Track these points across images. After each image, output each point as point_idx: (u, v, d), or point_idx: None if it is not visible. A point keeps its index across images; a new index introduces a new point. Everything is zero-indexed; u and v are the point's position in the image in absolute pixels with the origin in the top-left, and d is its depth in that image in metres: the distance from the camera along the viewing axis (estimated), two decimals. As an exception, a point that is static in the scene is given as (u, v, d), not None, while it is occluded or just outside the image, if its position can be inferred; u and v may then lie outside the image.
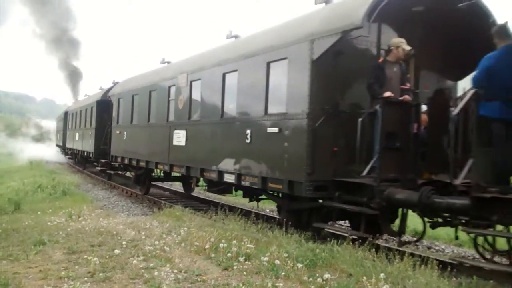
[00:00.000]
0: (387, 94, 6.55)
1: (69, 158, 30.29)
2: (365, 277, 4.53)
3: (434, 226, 6.10)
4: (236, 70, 8.92)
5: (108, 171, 18.42)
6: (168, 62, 13.50)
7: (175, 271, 5.06)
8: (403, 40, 6.84)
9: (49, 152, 39.68)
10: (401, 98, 6.76)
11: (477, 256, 6.36)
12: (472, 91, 5.32)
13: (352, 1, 6.85)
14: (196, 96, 10.56)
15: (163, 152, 11.91)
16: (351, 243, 5.91)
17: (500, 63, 5.18)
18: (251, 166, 8.27)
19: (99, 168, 19.18)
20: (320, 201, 7.13)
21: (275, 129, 7.57)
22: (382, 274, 4.55)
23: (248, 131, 8.30)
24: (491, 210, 4.91)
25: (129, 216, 10.63)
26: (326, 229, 7.08)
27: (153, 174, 14.38)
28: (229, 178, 8.96)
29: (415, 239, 7.27)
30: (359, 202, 6.51)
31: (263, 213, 11.03)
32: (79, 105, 25.49)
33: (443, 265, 5.61)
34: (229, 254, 5.57)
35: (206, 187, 11.08)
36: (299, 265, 5.00)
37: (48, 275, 4.82)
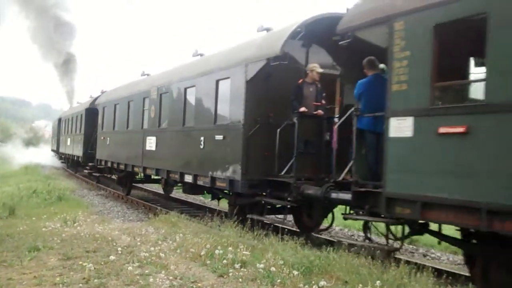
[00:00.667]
0: (302, 109, 7.93)
1: (62, 162, 31.74)
2: (360, 285, 4.53)
3: (345, 218, 7.12)
4: (194, 86, 10.47)
5: (94, 174, 19.90)
6: (148, 75, 15.06)
7: (170, 277, 5.04)
8: (316, 64, 8.25)
9: (42, 156, 39.71)
10: (315, 112, 8.13)
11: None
12: (352, 109, 6.88)
13: (275, 35, 8.34)
14: (164, 107, 12.13)
15: (138, 156, 13.49)
16: (346, 250, 5.92)
17: (369, 88, 6.66)
18: (204, 168, 9.71)
19: (87, 171, 20.90)
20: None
21: (221, 137, 9.08)
22: (378, 282, 4.55)
23: (202, 138, 9.78)
24: (366, 201, 6.22)
25: (124, 222, 10.59)
26: (255, 218, 8.39)
27: (136, 176, 15.42)
28: (188, 179, 10.41)
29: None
30: (283, 197, 7.91)
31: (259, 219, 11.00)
32: (71, 112, 27.05)
33: (438, 273, 5.62)
34: (224, 261, 5.55)
35: (182, 189, 12.10)
36: (295, 272, 4.99)
37: (43, 281, 4.80)
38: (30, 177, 24.02)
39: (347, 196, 6.73)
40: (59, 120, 31.08)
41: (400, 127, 5.66)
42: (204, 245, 6.33)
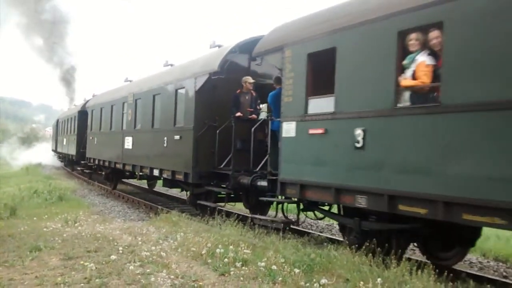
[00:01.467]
0: (238, 114, 9.61)
1: (60, 161, 33.27)
2: (362, 282, 4.53)
3: (261, 199, 8.78)
4: (160, 94, 12.34)
5: (85, 171, 22.03)
6: (130, 81, 16.76)
7: (172, 276, 5.05)
8: (248, 77, 9.85)
9: (41, 156, 40.08)
10: (250, 116, 9.74)
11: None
12: (266, 115, 9.00)
13: (216, 54, 10.16)
14: (138, 111, 14.01)
15: (119, 154, 15.36)
16: (347, 248, 5.92)
17: (276, 99, 8.16)
18: (167, 163, 11.53)
19: (79, 168, 23.15)
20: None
21: (178, 137, 10.85)
22: (379, 279, 4.56)
23: (165, 138, 11.54)
24: (282, 188, 7.63)
25: (125, 222, 10.59)
26: (202, 203, 10.52)
27: (127, 173, 16.39)
28: (156, 173, 12.29)
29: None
30: (224, 186, 9.75)
31: (259, 217, 11.03)
32: (66, 114, 29.19)
33: (439, 270, 5.63)
34: (226, 260, 5.56)
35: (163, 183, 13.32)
36: (296, 270, 5.00)
37: (44, 281, 4.81)
38: (31, 178, 24.03)
39: (264, 183, 8.45)
40: (57, 121, 32.97)
41: (288, 129, 7.48)
42: (205, 244, 6.34)
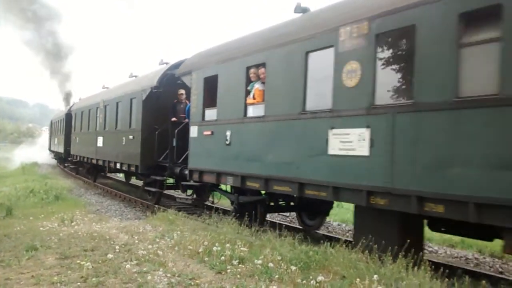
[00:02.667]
0: (173, 119, 12.25)
1: (55, 159, 35.58)
2: (358, 279, 4.54)
3: (183, 185, 11.38)
4: (121, 101, 15.06)
5: (70, 166, 25.97)
6: (107, 88, 19.43)
7: (169, 275, 5.04)
8: (182, 89, 12.26)
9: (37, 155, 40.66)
10: (183, 121, 11.76)
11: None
12: (186, 120, 11.18)
13: (157, 72, 13.02)
14: (107, 114, 16.71)
15: (93, 151, 18.33)
16: (344, 245, 5.93)
17: (189, 110, 10.68)
18: (125, 158, 14.26)
19: (67, 164, 27.29)
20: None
21: (132, 137, 13.68)
22: (375, 276, 4.57)
23: (124, 138, 14.28)
24: (190, 174, 10.38)
25: (122, 221, 10.59)
26: (146, 188, 13.54)
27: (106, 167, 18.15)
28: (118, 166, 15.19)
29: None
30: (163, 175, 12.40)
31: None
32: (58, 116, 31.94)
33: (436, 266, 5.65)
34: (222, 258, 5.56)
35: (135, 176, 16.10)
36: (293, 268, 5.00)
37: (41, 280, 4.79)
38: (27, 177, 23.95)
39: (187, 172, 10.64)
40: (51, 122, 35.96)
41: (193, 131, 10.18)
42: (202, 242, 6.33)
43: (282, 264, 5.21)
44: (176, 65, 12.08)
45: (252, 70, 8.41)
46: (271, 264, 5.17)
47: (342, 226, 10.91)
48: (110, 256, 5.74)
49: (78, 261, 5.49)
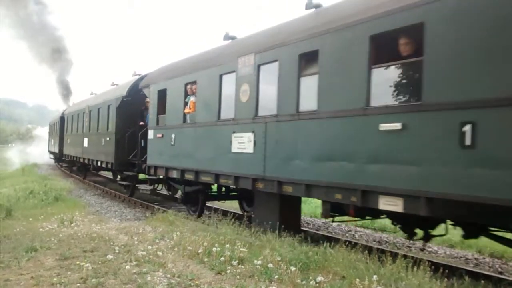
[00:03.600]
0: (141, 123, 14.05)
1: (53, 159, 37.22)
2: (358, 279, 4.55)
3: (149, 179, 13.10)
4: (101, 107, 17.42)
5: (63, 165, 29.86)
6: (95, 94, 21.47)
7: (168, 275, 5.05)
8: (148, 98, 13.04)
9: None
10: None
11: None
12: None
13: (127, 83, 15.45)
14: (91, 119, 19.09)
15: (80, 151, 20.83)
16: (343, 246, 5.93)
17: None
18: (104, 157, 16.43)
19: (61, 163, 31.05)
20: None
21: (108, 138, 15.80)
22: (374, 276, 4.58)
23: (102, 139, 16.60)
24: (148, 170, 12.46)
25: (121, 221, 10.59)
26: (118, 182, 16.12)
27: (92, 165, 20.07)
28: (99, 164, 17.46)
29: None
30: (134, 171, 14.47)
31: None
32: (54, 119, 34.21)
33: (435, 267, 5.65)
34: (222, 258, 5.57)
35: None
36: (292, 268, 5.01)
37: (40, 281, 4.80)
38: (27, 178, 23.94)
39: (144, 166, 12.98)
40: (50, 125, 38.31)
41: (150, 134, 12.26)
42: (201, 243, 6.34)
43: (282, 264, 5.21)
44: (142, 78, 14.17)
45: (188, 86, 10.42)
46: (270, 265, 5.18)
47: (341, 227, 10.91)
48: (109, 257, 5.74)
49: (78, 262, 5.49)
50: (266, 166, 7.76)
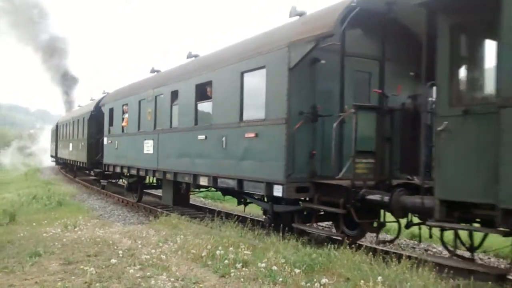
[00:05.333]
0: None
1: (52, 161, 40.98)
2: (362, 281, 4.52)
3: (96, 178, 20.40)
4: (78, 120, 22.42)
5: (60, 167, 35.22)
6: (81, 106, 27.24)
7: (172, 279, 5.04)
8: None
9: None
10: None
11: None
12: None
13: (94, 102, 20.75)
14: (74, 128, 23.79)
15: (68, 153, 25.61)
16: (348, 247, 5.91)
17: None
18: (80, 157, 21.36)
19: (57, 165, 36.52)
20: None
21: (83, 143, 20.75)
22: (379, 278, 4.56)
23: (80, 144, 21.54)
24: (105, 167, 17.46)
25: (125, 225, 10.59)
26: (93, 176, 21.54)
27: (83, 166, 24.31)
28: (79, 164, 22.38)
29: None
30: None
31: (258, 219, 11.04)
32: (52, 127, 39.55)
33: (440, 267, 5.62)
34: (226, 261, 5.55)
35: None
36: (297, 271, 4.99)
37: (44, 286, 4.80)
38: (30, 183, 24.00)
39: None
40: (51, 131, 42.34)
41: (105, 140, 16.80)
42: (205, 246, 6.33)
43: (286, 267, 5.20)
44: (106, 98, 18.19)
45: (124, 107, 15.01)
46: (274, 267, 5.16)
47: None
48: (113, 261, 5.74)
49: (82, 267, 5.49)
50: (158, 162, 12.08)
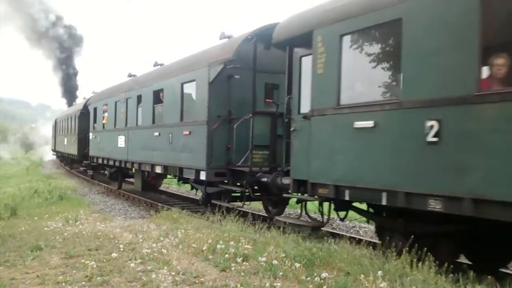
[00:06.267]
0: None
1: (53, 154, 42.95)
2: (362, 275, 4.53)
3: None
4: (71, 117, 25.32)
5: (59, 159, 37.60)
6: (75, 103, 32.81)
7: (173, 273, 5.05)
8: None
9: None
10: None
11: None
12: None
13: (82, 103, 24.94)
14: (68, 124, 26.54)
15: (64, 147, 28.35)
16: (348, 242, 5.92)
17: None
18: (72, 150, 24.49)
19: (57, 158, 39.02)
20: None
21: (74, 138, 23.58)
22: (379, 272, 4.56)
23: (72, 138, 24.45)
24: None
25: (126, 220, 10.61)
26: (83, 168, 23.23)
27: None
28: (72, 156, 25.39)
29: None
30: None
31: (259, 213, 11.07)
32: (53, 122, 42.28)
33: (440, 262, 5.63)
34: (226, 255, 5.56)
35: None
36: (297, 265, 5.00)
37: (45, 280, 4.81)
38: (31, 177, 24.04)
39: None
40: (52, 126, 43.80)
41: (90, 135, 19.57)
42: (206, 240, 6.34)
43: (286, 261, 5.21)
44: (92, 98, 20.76)
45: (104, 106, 17.18)
46: (275, 261, 5.17)
47: (346, 223, 10.89)
48: (114, 255, 5.75)
49: (83, 261, 5.51)
50: (128, 154, 14.32)
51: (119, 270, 5.12)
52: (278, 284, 4.57)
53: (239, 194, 9.59)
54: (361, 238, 8.28)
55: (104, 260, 5.58)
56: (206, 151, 9.40)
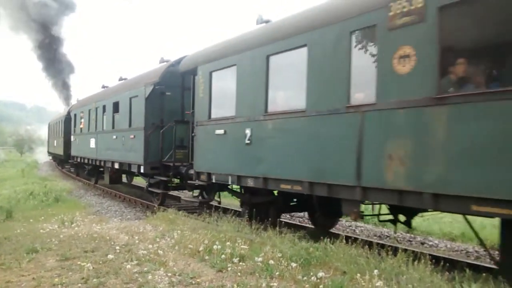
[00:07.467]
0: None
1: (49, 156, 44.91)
2: (359, 274, 4.54)
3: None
4: (60, 120, 27.89)
5: (53, 160, 39.60)
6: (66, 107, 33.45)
7: (169, 274, 5.04)
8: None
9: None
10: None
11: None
12: None
13: (66, 109, 29.39)
14: (56, 127, 29.99)
15: (54, 148, 31.48)
16: (344, 241, 5.94)
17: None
18: (60, 151, 27.78)
19: (50, 158, 41.71)
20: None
21: (62, 140, 26.36)
22: (375, 271, 4.57)
23: (60, 140, 27.19)
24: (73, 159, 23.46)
25: (122, 221, 10.59)
26: (67, 166, 29.61)
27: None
28: (61, 156, 27.37)
29: None
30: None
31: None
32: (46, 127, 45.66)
33: (436, 260, 5.66)
34: (223, 256, 5.57)
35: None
36: (293, 265, 5.01)
37: (41, 282, 4.79)
38: (27, 180, 23.94)
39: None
40: (48, 129, 45.66)
41: (72, 137, 22.79)
42: (202, 240, 6.33)
43: (283, 261, 5.21)
44: (73, 106, 24.25)
45: (81, 113, 19.60)
46: (271, 261, 5.17)
47: (342, 222, 10.92)
48: (110, 256, 5.74)
49: (79, 262, 5.49)
50: (97, 153, 16.98)
51: (115, 272, 5.10)
52: (275, 284, 4.57)
53: (174, 185, 12.44)
54: (357, 237, 8.30)
55: (100, 262, 5.56)
56: (143, 150, 12.34)
